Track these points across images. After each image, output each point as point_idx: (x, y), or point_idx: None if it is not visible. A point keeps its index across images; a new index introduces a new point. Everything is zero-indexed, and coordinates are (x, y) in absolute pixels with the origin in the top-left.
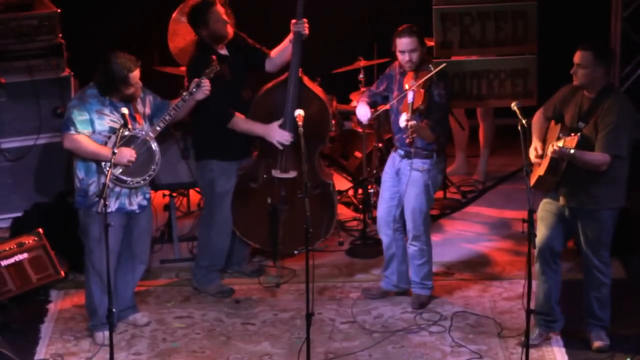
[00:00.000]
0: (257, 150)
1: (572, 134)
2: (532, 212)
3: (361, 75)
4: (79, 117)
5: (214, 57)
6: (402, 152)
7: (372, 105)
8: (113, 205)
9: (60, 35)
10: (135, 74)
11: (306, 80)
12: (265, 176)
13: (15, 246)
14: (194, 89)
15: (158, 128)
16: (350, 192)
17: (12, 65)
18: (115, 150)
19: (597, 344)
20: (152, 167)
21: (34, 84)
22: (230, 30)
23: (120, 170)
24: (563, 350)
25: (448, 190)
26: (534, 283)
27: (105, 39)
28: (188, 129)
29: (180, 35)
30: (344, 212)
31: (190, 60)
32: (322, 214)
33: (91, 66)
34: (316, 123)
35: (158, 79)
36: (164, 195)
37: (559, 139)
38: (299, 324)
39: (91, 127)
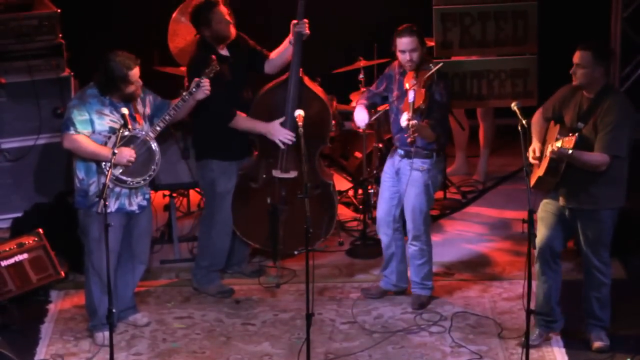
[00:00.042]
0: (258, 150)
1: (571, 135)
2: (532, 212)
3: (361, 76)
4: (79, 117)
5: (213, 56)
6: (402, 152)
7: (371, 106)
8: (113, 206)
9: (60, 35)
10: (135, 71)
11: (307, 80)
12: (265, 176)
13: (15, 246)
14: (194, 89)
15: (158, 128)
16: (350, 193)
17: (12, 65)
18: (115, 151)
19: (597, 344)
20: (152, 167)
21: (34, 84)
22: (233, 31)
23: (120, 170)
24: (563, 350)
25: (448, 190)
26: (534, 283)
27: (105, 39)
28: (188, 129)
29: (181, 35)
30: (344, 213)
31: (191, 60)
32: (323, 214)
33: (91, 66)
34: (317, 123)
35: (158, 79)
36: (164, 196)
37: (557, 139)
38: (299, 324)
39: (91, 127)
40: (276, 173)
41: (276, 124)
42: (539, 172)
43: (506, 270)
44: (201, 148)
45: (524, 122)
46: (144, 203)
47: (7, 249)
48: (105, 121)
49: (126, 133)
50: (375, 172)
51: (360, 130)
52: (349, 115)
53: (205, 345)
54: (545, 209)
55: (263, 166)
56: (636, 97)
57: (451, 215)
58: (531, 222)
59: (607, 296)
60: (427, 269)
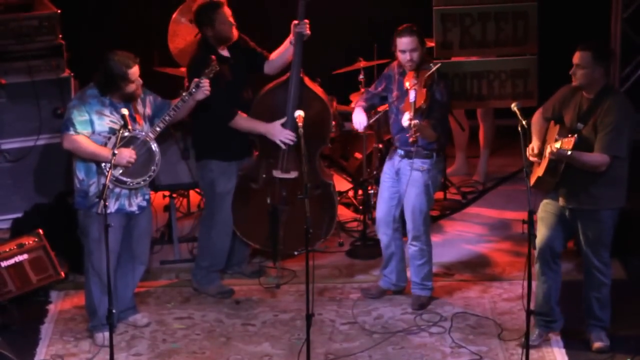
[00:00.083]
0: (258, 151)
1: (570, 135)
2: (532, 213)
3: (361, 76)
4: (79, 118)
5: (213, 57)
6: (401, 152)
7: (370, 107)
8: (113, 206)
9: (61, 35)
10: (134, 70)
11: (307, 80)
12: (265, 176)
13: (15, 247)
14: (194, 89)
15: (158, 129)
16: (350, 193)
17: (12, 66)
18: (115, 151)
19: (597, 344)
20: (152, 168)
21: (34, 85)
22: (235, 32)
23: (120, 171)
24: (563, 351)
25: (448, 191)
26: (534, 284)
27: (105, 39)
28: (188, 129)
29: (181, 36)
30: (344, 213)
31: (191, 61)
32: (323, 215)
33: (91, 67)
34: (317, 123)
35: (158, 79)
36: (164, 196)
37: (556, 140)
38: (299, 324)
39: (91, 128)
40: (277, 173)
41: (277, 124)
42: (539, 172)
43: (506, 271)
44: (201, 148)
45: (524, 122)
46: (144, 204)
47: (7, 250)
48: (105, 122)
49: (126, 134)
50: (375, 172)
51: (360, 131)
52: (348, 116)
53: (205, 345)
54: (546, 209)
55: (263, 166)
56: (636, 98)
57: (451, 215)
58: (531, 223)
59: (607, 296)
60: (427, 269)
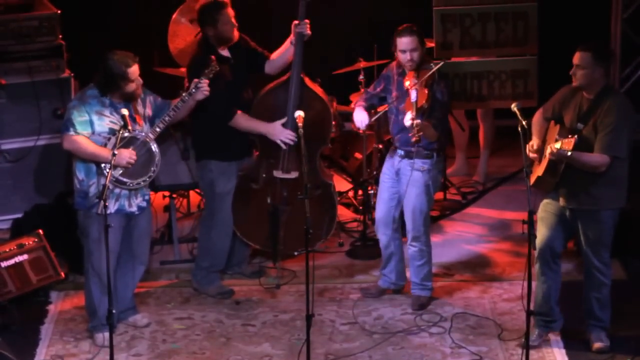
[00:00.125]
0: (258, 151)
1: (570, 136)
2: (532, 213)
3: (361, 77)
4: (79, 118)
5: (213, 57)
6: (402, 153)
7: (370, 107)
8: (112, 207)
9: (61, 36)
10: (134, 69)
11: (307, 80)
12: (265, 176)
13: (15, 247)
14: (193, 90)
15: (158, 129)
16: (351, 194)
17: (12, 66)
18: (115, 152)
19: (597, 345)
20: (152, 168)
21: (34, 85)
22: (236, 34)
23: (120, 171)
24: (563, 351)
25: (448, 191)
26: (534, 284)
27: (105, 40)
28: (188, 129)
29: (181, 36)
30: (344, 214)
31: (191, 61)
32: (323, 215)
33: (91, 67)
34: (317, 123)
35: (158, 80)
36: (164, 197)
37: (556, 140)
38: (299, 325)
39: (91, 128)
40: (277, 173)
41: (277, 124)
42: (539, 171)
43: (506, 271)
44: (200, 148)
45: (524, 123)
46: (144, 204)
47: (7, 250)
48: (105, 122)
49: (126, 134)
50: (375, 173)
51: (360, 131)
52: (349, 116)
53: (205, 346)
54: (546, 209)
55: (264, 166)
56: (636, 98)
57: (451, 216)
58: (531, 223)
59: (607, 297)
60: (426, 269)
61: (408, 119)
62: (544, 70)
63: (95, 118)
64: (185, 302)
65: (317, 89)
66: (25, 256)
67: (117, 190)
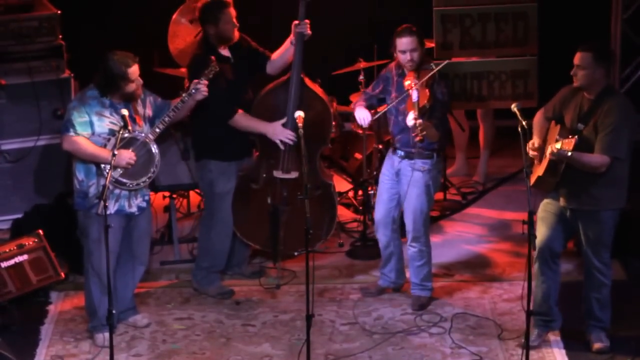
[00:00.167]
0: (258, 151)
1: (570, 136)
2: (532, 213)
3: (361, 77)
4: (79, 119)
5: (212, 57)
6: (402, 153)
7: (369, 108)
8: (112, 208)
9: (61, 36)
10: (134, 69)
11: (308, 81)
12: (265, 176)
13: (15, 248)
14: (193, 91)
15: (157, 130)
16: (350, 194)
17: (12, 66)
18: (115, 152)
19: (597, 345)
20: (152, 169)
21: (34, 86)
22: (236, 34)
23: (120, 172)
24: (563, 352)
25: (448, 191)
26: (534, 284)
27: (105, 40)
28: (188, 130)
29: (180, 36)
30: (344, 214)
31: (191, 61)
32: (323, 215)
33: (91, 68)
34: (318, 124)
35: (158, 80)
36: (164, 197)
37: (557, 140)
38: (299, 325)
39: (90, 129)
40: (277, 174)
41: (277, 124)
42: (539, 171)
43: (506, 272)
44: (200, 148)
45: (524, 123)
46: (144, 205)
47: (7, 250)
48: (105, 123)
49: (126, 135)
50: (375, 173)
51: (360, 132)
52: (349, 117)
53: (205, 346)
54: (546, 209)
55: (264, 167)
56: (636, 99)
57: (451, 216)
58: (531, 223)
59: (608, 297)
60: (426, 270)
61: (411, 119)
62: (544, 70)
63: (95, 119)
64: (185, 302)
65: (317, 89)
66: (25, 256)
67: (117, 191)
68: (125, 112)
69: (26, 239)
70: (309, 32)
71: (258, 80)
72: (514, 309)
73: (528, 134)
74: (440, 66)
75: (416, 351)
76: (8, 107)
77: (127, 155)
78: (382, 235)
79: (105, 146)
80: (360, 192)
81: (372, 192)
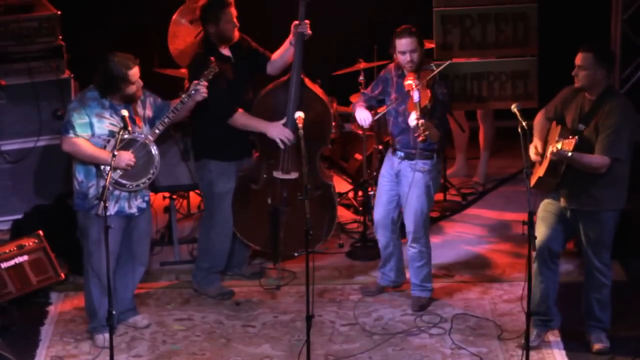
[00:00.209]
0: (258, 152)
1: (571, 137)
2: (532, 214)
3: (361, 78)
4: (79, 120)
5: (212, 58)
6: (402, 154)
7: (368, 109)
8: (112, 209)
9: (61, 37)
10: (134, 71)
11: (308, 81)
12: (265, 176)
13: (15, 248)
14: (192, 92)
15: (157, 131)
16: (350, 195)
17: (12, 67)
18: (115, 153)
19: (597, 346)
20: (151, 170)
21: (34, 86)
22: (237, 34)
23: (120, 173)
24: (563, 352)
25: (448, 192)
26: (533, 284)
27: (105, 41)
28: (188, 130)
29: (181, 37)
30: (344, 215)
31: (191, 60)
32: (323, 215)
33: (91, 68)
34: (318, 124)
35: (158, 81)
36: (164, 198)
37: (557, 141)
38: (299, 326)
39: (90, 131)
40: (277, 174)
41: (277, 123)
42: (540, 172)
43: (506, 272)
44: (200, 148)
45: (524, 124)
46: (144, 205)
47: (7, 251)
48: (105, 124)
49: (126, 136)
50: (375, 173)
51: (360, 132)
52: (349, 117)
53: (205, 347)
54: (546, 209)
55: (264, 167)
56: (636, 99)
57: (451, 217)
58: (531, 224)
59: (608, 297)
60: (426, 270)
61: (413, 119)
62: (544, 71)
63: (95, 120)
64: (185, 303)
65: (317, 90)
66: (25, 257)
67: (116, 192)
68: (125, 113)
69: (26, 239)
70: (309, 32)
71: (258, 80)
72: (514, 309)
73: (528, 135)
74: (442, 66)
75: (416, 352)
76: (8, 108)
77: (127, 157)
78: (382, 236)
79: (105, 147)
80: (360, 193)
81: (372, 192)
